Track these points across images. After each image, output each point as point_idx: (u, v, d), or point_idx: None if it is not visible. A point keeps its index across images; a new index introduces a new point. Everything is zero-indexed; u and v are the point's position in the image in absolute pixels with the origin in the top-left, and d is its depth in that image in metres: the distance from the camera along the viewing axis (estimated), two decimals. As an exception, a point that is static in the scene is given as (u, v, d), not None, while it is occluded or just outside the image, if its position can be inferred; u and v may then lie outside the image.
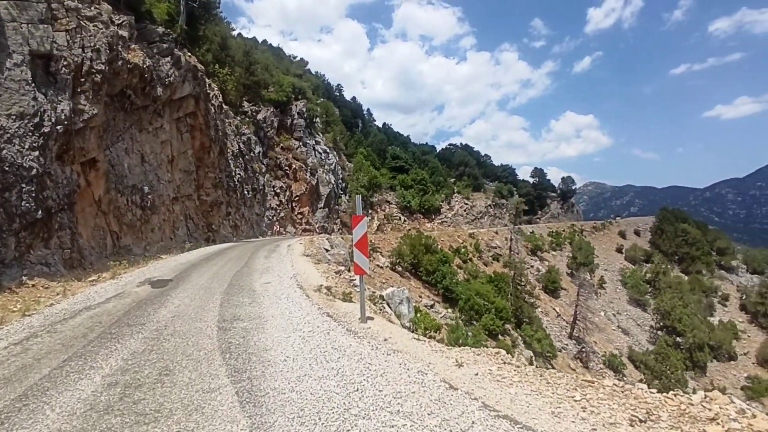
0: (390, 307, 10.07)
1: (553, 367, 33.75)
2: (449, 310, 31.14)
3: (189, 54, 21.21)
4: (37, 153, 9.25)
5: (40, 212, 9.19)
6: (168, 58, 17.42)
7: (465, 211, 65.46)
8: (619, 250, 69.04)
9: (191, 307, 6.90)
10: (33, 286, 8.67)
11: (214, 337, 5.33)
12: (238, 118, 31.64)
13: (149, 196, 15.64)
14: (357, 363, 4.47)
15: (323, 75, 77.94)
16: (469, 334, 27.06)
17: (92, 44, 11.45)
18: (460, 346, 5.93)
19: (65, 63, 10.74)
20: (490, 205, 70.79)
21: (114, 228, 13.51)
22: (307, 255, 14.08)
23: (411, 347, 5.20)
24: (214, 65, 28.86)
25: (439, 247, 37.24)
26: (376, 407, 3.55)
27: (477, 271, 39.04)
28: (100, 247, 12.63)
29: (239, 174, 28.63)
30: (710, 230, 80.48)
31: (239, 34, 52.76)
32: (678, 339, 45.10)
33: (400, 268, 33.52)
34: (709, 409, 3.79)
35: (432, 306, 30.74)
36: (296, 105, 41.13)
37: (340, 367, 4.37)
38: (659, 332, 47.43)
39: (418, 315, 13.04)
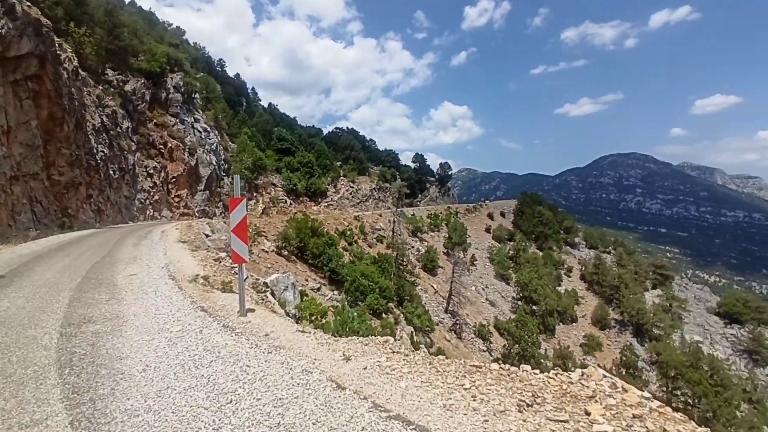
0: (274, 294, 10.07)
1: (432, 340, 36.62)
2: (335, 292, 31.75)
3: (28, 4, 18.09)
4: None
5: None
6: None
7: (351, 194, 66.41)
8: (487, 230, 75.32)
9: (25, 310, 5.75)
10: None
11: (52, 347, 4.39)
12: (101, 88, 27.91)
13: (-21, 175, 13.26)
14: (233, 366, 3.99)
15: (203, 48, 71.85)
16: (355, 314, 28.10)
17: None
18: (347, 336, 5.99)
19: None
20: (374, 189, 72.59)
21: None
22: (184, 241, 13.17)
23: (295, 342, 4.87)
24: (66, 22, 24.91)
25: (325, 230, 37.44)
26: (253, 422, 3.11)
27: (362, 252, 40.09)
28: None
29: (103, 151, 25.45)
30: (559, 212, 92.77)
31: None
32: (534, 307, 50.99)
33: (286, 252, 33.09)
34: (587, 386, 4.03)
35: (318, 289, 31.03)
36: (172, 78, 37.42)
37: (212, 373, 3.84)
38: (519, 302, 53.04)
39: (304, 300, 13.17)
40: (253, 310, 6.15)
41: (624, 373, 44.65)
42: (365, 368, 4.23)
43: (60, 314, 5.59)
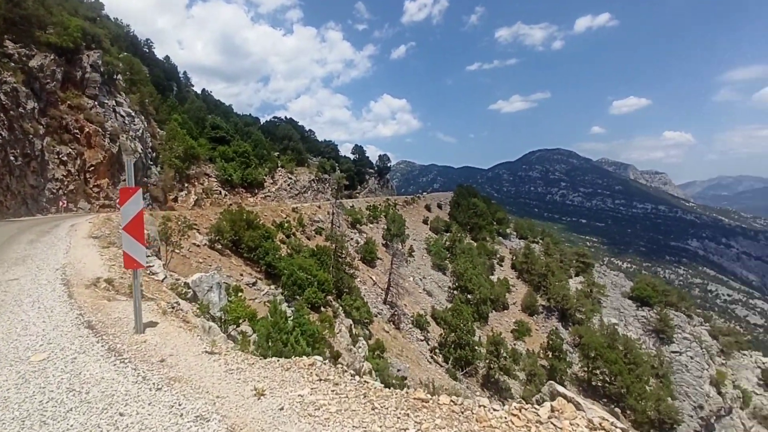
0: (197, 296, 9.44)
1: (370, 332, 36.88)
2: (272, 287, 30.97)
3: None
4: None
5: None
6: None
7: (289, 185, 64.89)
8: (425, 222, 77.15)
9: None
10: None
11: None
12: (-2, 62, 24.78)
13: None
14: (98, 417, 3.00)
15: (128, 26, 66.10)
16: (288, 313, 27.54)
17: None
18: (269, 350, 5.37)
19: None
20: (313, 180, 71.50)
21: None
22: (96, 237, 11.80)
23: (197, 369, 3.97)
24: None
25: (262, 222, 36.37)
26: None
27: (300, 245, 39.42)
28: None
29: (1, 134, 22.67)
30: (492, 204, 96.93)
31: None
32: (469, 296, 52.80)
33: (219, 246, 31.74)
34: (560, 428, 3.42)
35: (254, 284, 30.10)
36: (89, 55, 33.98)
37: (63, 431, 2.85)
38: (455, 291, 54.79)
39: (232, 301, 12.44)
40: (155, 324, 5.25)
41: (551, 356, 47.84)
42: (281, 408, 3.45)
43: None
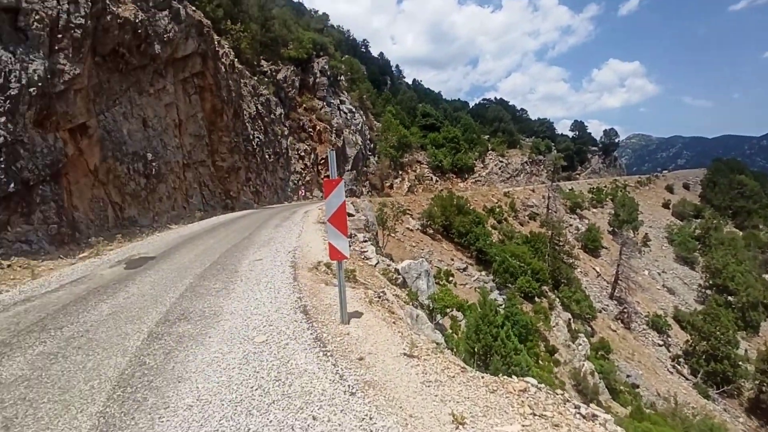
0: (406, 282, 8.86)
1: (593, 329, 32.35)
2: (483, 273, 29.90)
3: (193, 8, 19.71)
4: (3, 119, 8.26)
5: (13, 185, 8.31)
6: (166, 12, 16.02)
7: (500, 169, 62.77)
8: (665, 206, 66.00)
9: (145, 299, 5.63)
10: (9, 266, 7.88)
11: (130, 352, 3.98)
12: (255, 78, 30.20)
13: (153, 164, 14.71)
14: (294, 416, 2.88)
15: (348, 30, 74.60)
16: (500, 299, 25.81)
17: (67, -6, 10.18)
18: (477, 356, 4.38)
19: (37, 17, 9.55)
20: (526, 162, 67.75)
21: (115, 199, 12.72)
22: (322, 222, 12.84)
23: (392, 376, 3.62)
24: (225, 22, 27.23)
25: (472, 207, 35.70)
26: None
27: (512, 231, 37.40)
28: (101, 220, 11.88)
29: (258, 137, 27.52)
30: (770, 181, 74.66)
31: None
32: (730, 298, 43.07)
33: (431, 231, 32.28)
34: None
35: (465, 269, 29.54)
36: (318, 62, 39.12)
37: (261, 427, 2.77)
38: (708, 291, 45.48)
39: (440, 289, 11.63)
40: (360, 315, 5.09)
41: None
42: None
43: (166, 306, 5.30)
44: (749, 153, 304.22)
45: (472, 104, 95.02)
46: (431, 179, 52.22)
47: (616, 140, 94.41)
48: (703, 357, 33.84)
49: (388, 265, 9.96)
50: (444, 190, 44.74)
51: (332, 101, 38.74)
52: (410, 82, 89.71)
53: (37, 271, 7.78)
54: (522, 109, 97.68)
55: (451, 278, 27.35)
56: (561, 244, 36.26)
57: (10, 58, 8.73)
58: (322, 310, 5.09)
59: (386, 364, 3.85)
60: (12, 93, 8.50)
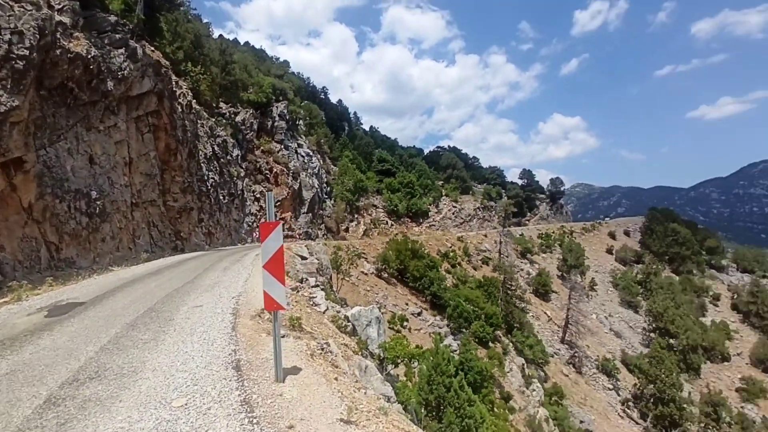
0: (356, 330, 8.67)
1: (546, 374, 32.68)
2: (437, 318, 29.90)
3: (152, 49, 19.67)
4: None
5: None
6: (122, 50, 15.86)
7: (453, 214, 64.36)
8: (609, 251, 68.97)
9: (57, 353, 4.92)
10: None
11: (14, 425, 3.37)
12: (213, 120, 30.10)
13: (98, 202, 14.02)
14: None
15: (308, 78, 76.62)
16: (455, 344, 25.77)
17: (12, 26, 9.90)
18: (431, 394, 4.25)
19: (-28, 47, 9.21)
20: (478, 208, 69.92)
21: (51, 238, 11.91)
22: None
23: None
24: (185, 63, 27.32)
25: (427, 251, 36.09)
26: None
27: (466, 275, 37.94)
28: (31, 261, 11.04)
29: (213, 178, 27.04)
30: (700, 229, 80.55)
31: (220, 35, 51.21)
32: (671, 341, 44.53)
33: (386, 275, 32.24)
34: None
35: (419, 314, 29.46)
36: (277, 107, 39.63)
37: None
38: (652, 334, 46.92)
39: (392, 339, 11.40)
40: (298, 371, 4.67)
41: (805, 431, 35.52)
42: None
43: (80, 362, 4.67)
44: (679, 203, 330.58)
45: (426, 151, 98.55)
46: (387, 223, 52.72)
47: (562, 188, 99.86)
48: (651, 400, 34.58)
49: (338, 312, 9.71)
50: (399, 234, 45.21)
51: (290, 144, 39.01)
52: (368, 129, 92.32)
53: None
54: (474, 157, 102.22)
55: (405, 323, 27.16)
56: (513, 288, 37.05)
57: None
58: (257, 365, 4.69)
59: (319, 433, 3.49)
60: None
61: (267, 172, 35.54)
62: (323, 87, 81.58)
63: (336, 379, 4.82)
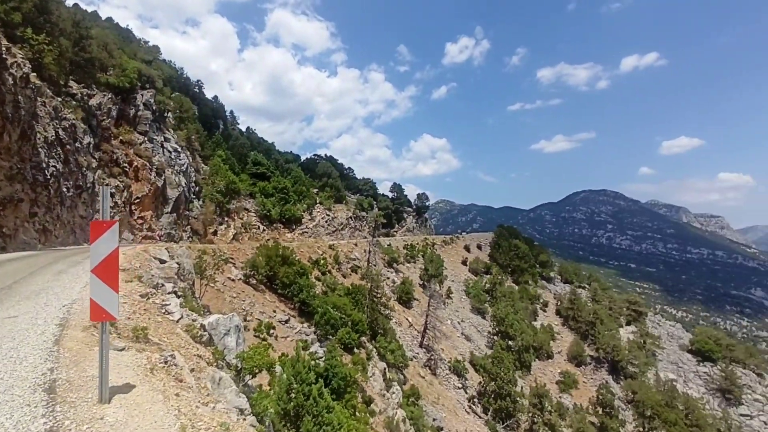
0: (212, 340, 8.48)
1: (405, 376, 34.88)
2: (305, 325, 29.98)
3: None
4: None
5: None
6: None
7: (326, 222, 64.98)
8: (464, 263, 75.11)
9: None
10: None
11: None
12: (59, 99, 26.16)
13: None
14: None
15: (181, 68, 70.62)
16: (321, 351, 26.24)
17: None
18: (290, 403, 4.26)
19: None
20: (351, 217, 71.47)
21: None
22: (124, 269, 11.13)
23: None
24: (24, 28, 23.31)
25: (298, 258, 35.93)
26: None
27: (335, 283, 38.60)
28: None
29: (55, 167, 23.48)
30: (535, 246, 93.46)
31: (75, 4, 44.52)
32: (510, 342, 50.00)
33: (254, 281, 31.32)
34: None
35: (287, 321, 29.20)
36: (142, 94, 35.89)
37: None
38: (495, 337, 52.11)
39: (251, 348, 11.21)
40: (130, 389, 4.12)
41: (601, 412, 43.65)
42: None
43: None
44: (521, 222, 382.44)
45: (304, 158, 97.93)
46: (258, 228, 51.06)
47: (427, 203, 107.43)
48: (492, 396, 38.90)
49: (194, 321, 9.28)
50: (271, 239, 44.27)
51: (155, 137, 35.67)
52: (244, 129, 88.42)
53: None
54: (350, 168, 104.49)
55: (272, 331, 26.75)
56: (379, 296, 38.70)
57: None
58: (79, 385, 4.05)
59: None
60: None
61: (126, 165, 31.96)
62: (198, 80, 75.99)
63: (177, 395, 4.44)
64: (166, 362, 5.11)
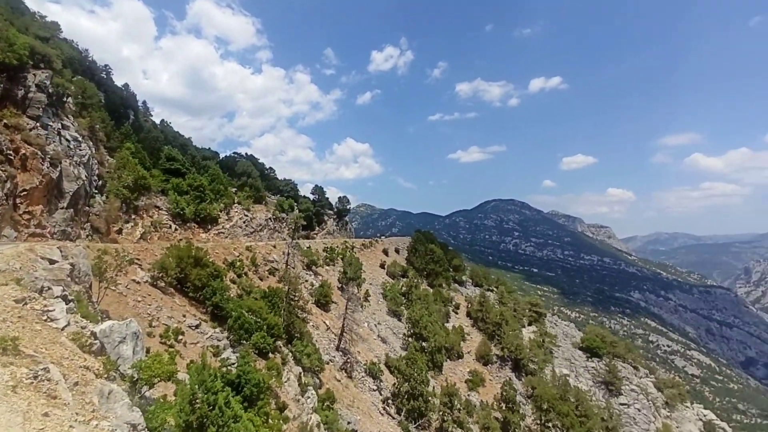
0: (105, 349, 8.03)
1: (321, 380, 34.91)
2: (217, 330, 28.91)
3: None
4: None
5: None
6: None
7: (244, 222, 62.74)
8: (382, 266, 76.53)
9: None
10: None
11: None
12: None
13: None
14: None
15: (86, 50, 63.89)
16: (234, 357, 25.53)
17: None
18: (193, 414, 3.91)
19: None
20: (270, 218, 69.70)
21: None
22: (2, 271, 10.21)
23: None
24: None
25: (212, 260, 34.52)
26: None
27: (252, 286, 37.56)
28: None
29: None
30: (450, 250, 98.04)
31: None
32: (424, 344, 51.95)
33: (163, 284, 29.62)
34: None
35: (198, 326, 27.96)
36: (36, 75, 32.01)
37: None
38: (410, 339, 53.67)
39: (149, 357, 10.61)
40: None
41: (504, 407, 47.03)
42: None
43: None
44: (438, 228, 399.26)
45: (223, 155, 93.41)
46: (170, 227, 47.91)
47: (348, 207, 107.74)
48: (406, 396, 39.98)
49: (83, 328, 8.65)
50: (183, 239, 41.93)
51: (50, 124, 32.11)
52: (158, 122, 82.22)
53: None
54: (271, 168, 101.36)
55: (180, 337, 25.52)
56: (297, 299, 38.29)
57: None
58: None
59: None
60: None
61: (10, 153, 28.37)
62: (106, 65, 68.92)
63: (45, 414, 4.06)
64: (35, 377, 4.65)
